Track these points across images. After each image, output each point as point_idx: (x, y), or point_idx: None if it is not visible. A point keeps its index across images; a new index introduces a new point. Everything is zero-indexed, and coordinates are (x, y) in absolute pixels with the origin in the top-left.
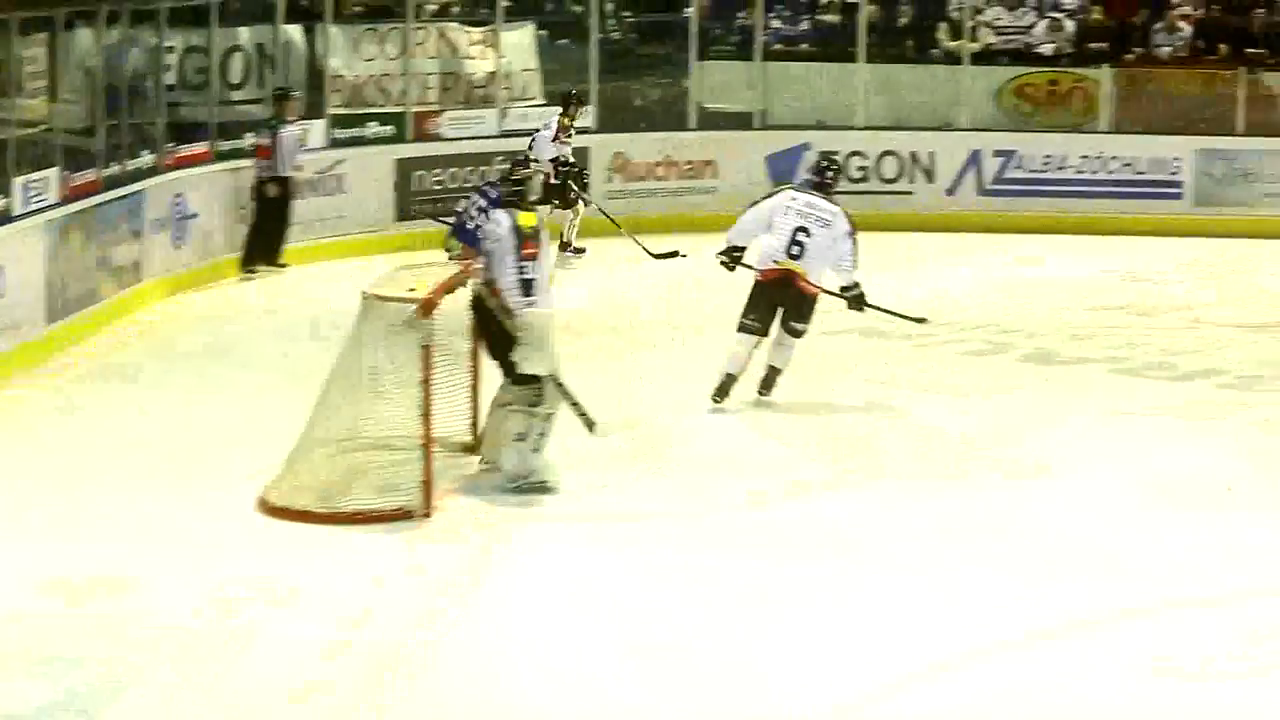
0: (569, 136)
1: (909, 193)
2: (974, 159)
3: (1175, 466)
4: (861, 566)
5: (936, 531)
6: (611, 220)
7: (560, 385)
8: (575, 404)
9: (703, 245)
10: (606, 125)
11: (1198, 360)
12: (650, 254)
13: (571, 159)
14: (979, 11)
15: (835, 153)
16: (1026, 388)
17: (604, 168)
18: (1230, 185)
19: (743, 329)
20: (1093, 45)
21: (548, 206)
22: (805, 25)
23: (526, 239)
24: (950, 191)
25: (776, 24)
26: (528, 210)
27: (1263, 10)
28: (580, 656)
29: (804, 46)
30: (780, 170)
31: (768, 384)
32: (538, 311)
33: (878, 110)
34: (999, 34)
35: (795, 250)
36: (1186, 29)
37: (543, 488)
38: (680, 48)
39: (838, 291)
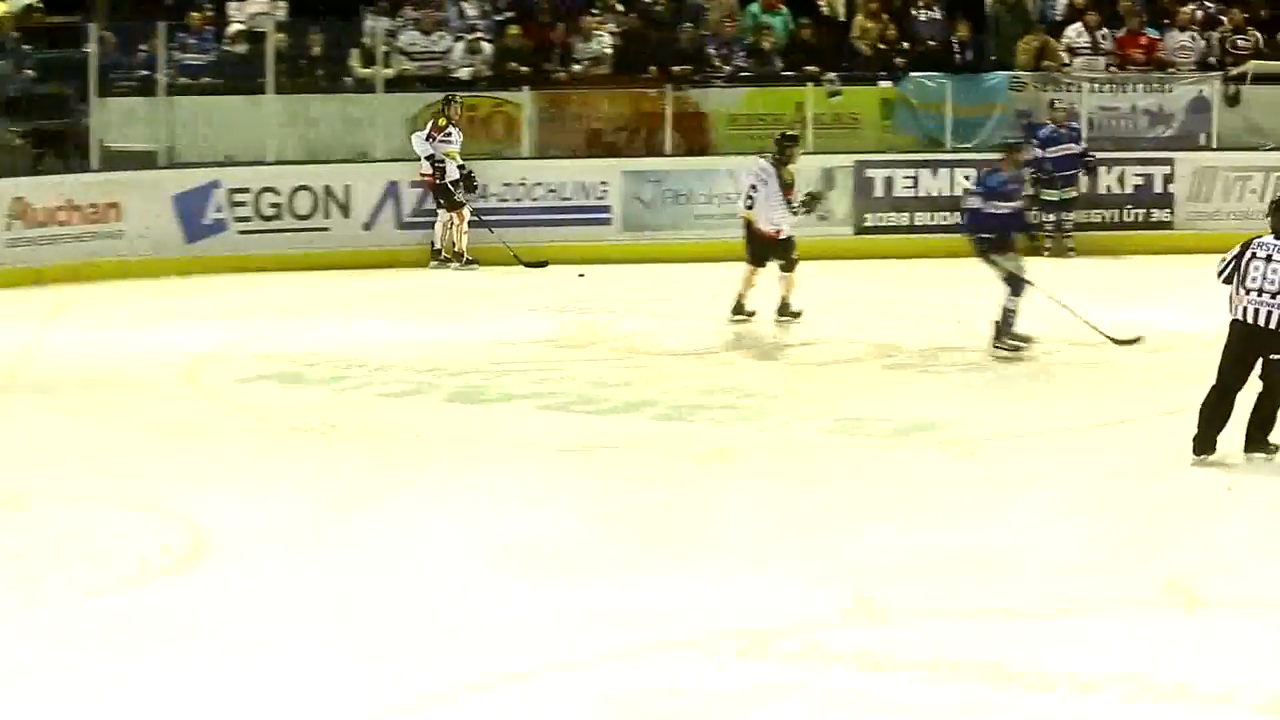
0: (447, 136)
1: (325, 229)
2: (392, 191)
3: (593, 511)
4: (198, 652)
5: (275, 610)
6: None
7: None
8: None
9: (100, 297)
10: (3, 169)
11: (630, 392)
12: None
13: (460, 161)
14: (393, 36)
15: (246, 189)
16: (442, 431)
17: (3, 215)
18: (660, 208)
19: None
20: (513, 67)
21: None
22: (212, 56)
23: None
24: (368, 226)
25: (181, 56)
26: None
27: (690, 25)
28: None
29: (210, 79)
30: (190, 211)
31: (780, 310)
32: None
33: (290, 143)
34: (414, 59)
35: (748, 203)
36: (606, 38)
37: None
38: (82, 84)
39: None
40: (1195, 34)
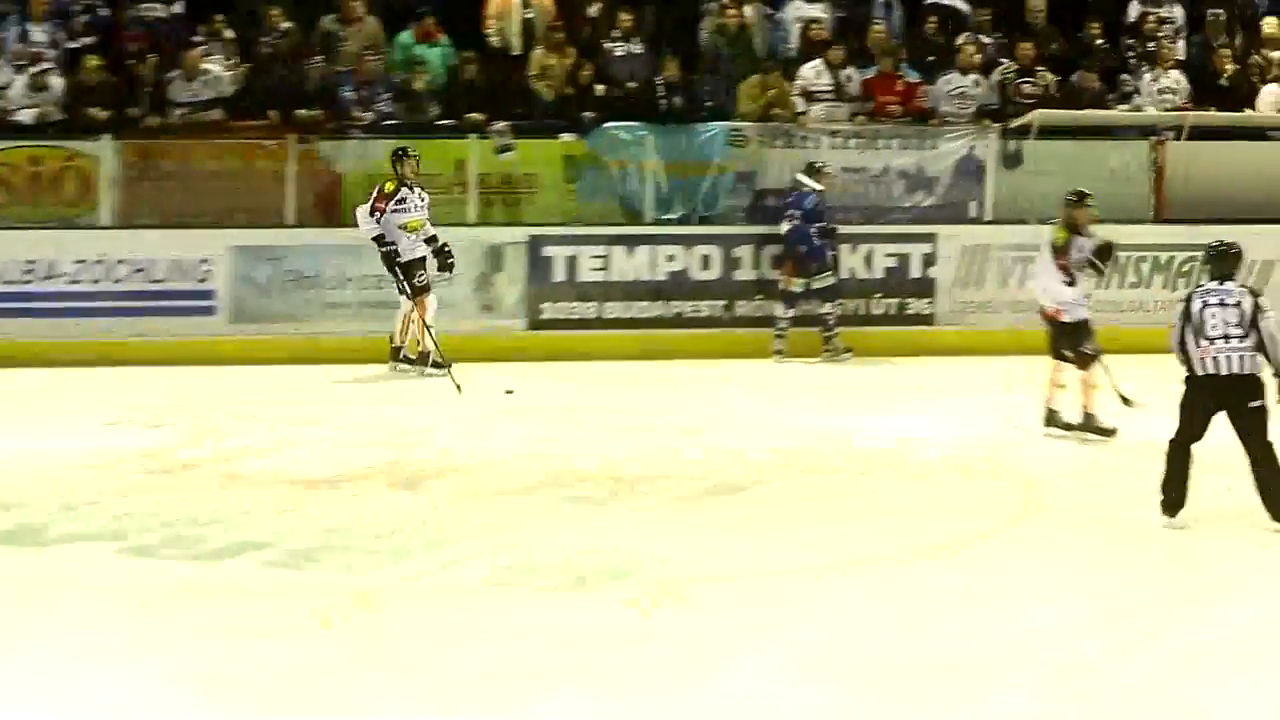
0: (400, 204)
1: None
2: None
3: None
4: None
5: None
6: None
7: None
8: None
9: None
10: None
11: (232, 531)
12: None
13: (430, 231)
14: None
15: None
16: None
17: None
18: (281, 294)
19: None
20: (92, 110)
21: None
22: None
23: None
24: None
25: None
26: None
27: (320, 59)
28: None
29: None
30: None
31: (1084, 423)
32: None
33: None
34: None
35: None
36: (215, 75)
37: None
38: None
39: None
40: (977, 78)
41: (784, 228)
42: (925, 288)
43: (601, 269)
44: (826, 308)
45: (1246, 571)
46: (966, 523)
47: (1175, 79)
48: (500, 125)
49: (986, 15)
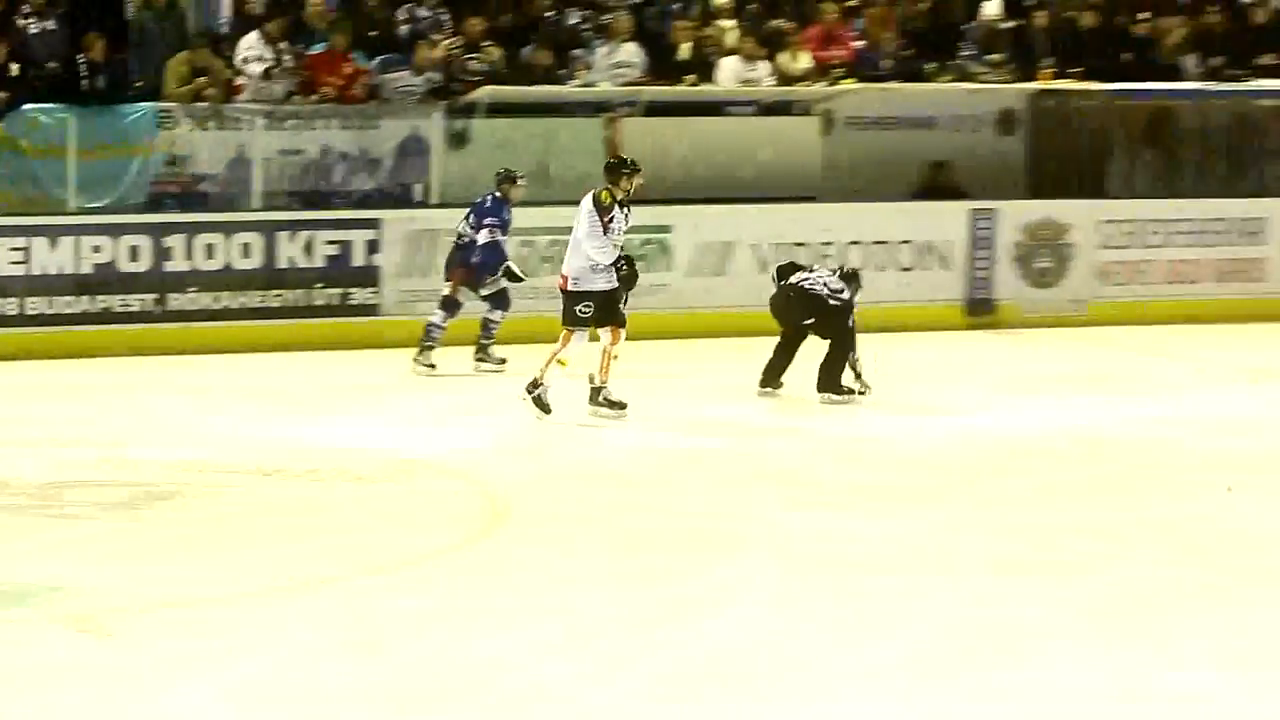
0: (609, 225)
1: None
2: None
3: None
4: None
5: None
6: None
7: None
8: None
9: None
10: None
11: None
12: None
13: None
14: None
15: None
16: None
17: None
18: None
19: None
20: None
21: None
22: None
23: None
24: None
25: None
26: None
27: None
28: None
29: None
30: None
31: None
32: None
33: None
34: None
35: None
36: None
37: None
38: None
39: None
40: (431, 75)
41: (482, 238)
42: (369, 276)
43: (22, 261)
44: (497, 315)
45: (723, 586)
46: (419, 537)
47: (631, 52)
48: None
49: None
